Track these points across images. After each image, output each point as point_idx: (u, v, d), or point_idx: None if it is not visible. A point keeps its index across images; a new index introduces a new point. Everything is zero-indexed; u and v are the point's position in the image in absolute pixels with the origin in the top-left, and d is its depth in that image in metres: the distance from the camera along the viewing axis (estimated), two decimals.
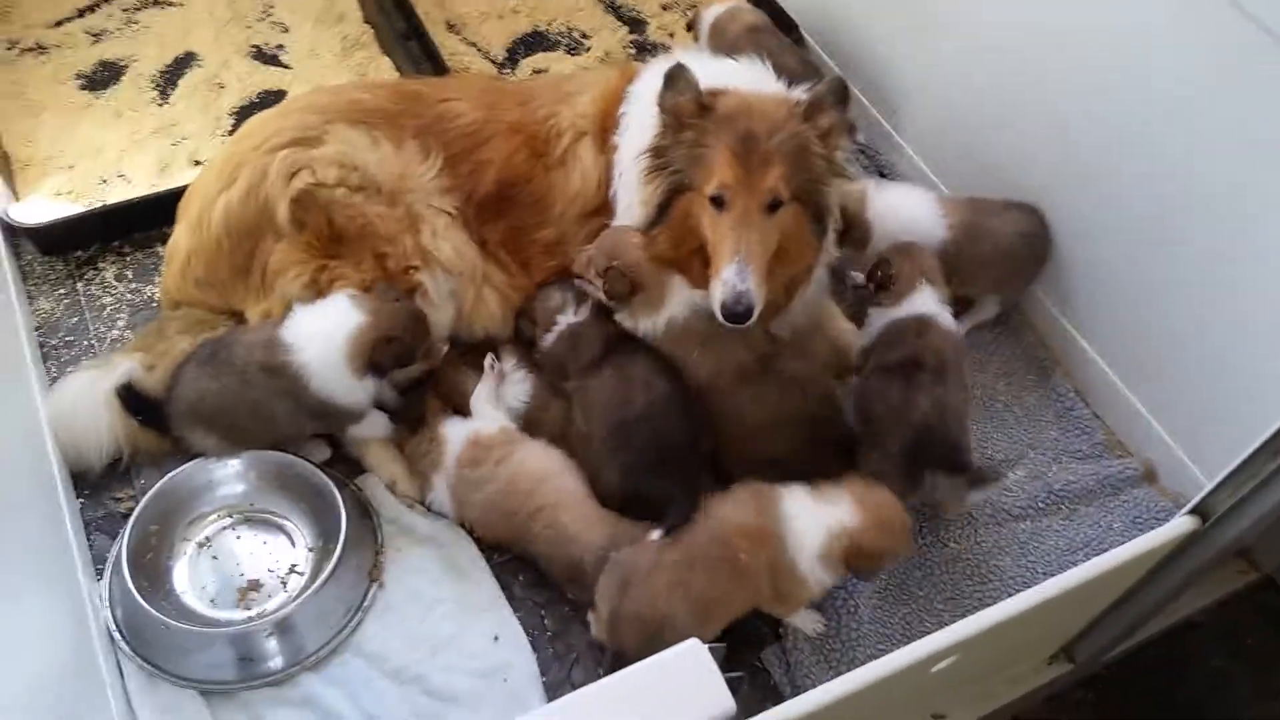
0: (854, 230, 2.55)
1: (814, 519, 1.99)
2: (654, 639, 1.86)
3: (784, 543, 1.98)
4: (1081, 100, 2.46)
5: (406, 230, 2.34)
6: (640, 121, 2.33)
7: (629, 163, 2.34)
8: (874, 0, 3.13)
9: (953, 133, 2.93)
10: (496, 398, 2.37)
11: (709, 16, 3.19)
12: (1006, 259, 2.65)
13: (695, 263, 2.27)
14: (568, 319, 2.37)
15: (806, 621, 2.19)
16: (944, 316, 2.37)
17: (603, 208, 2.41)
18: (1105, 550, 2.33)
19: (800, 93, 2.29)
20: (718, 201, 2.16)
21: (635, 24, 3.58)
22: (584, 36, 3.51)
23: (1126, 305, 2.53)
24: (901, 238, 2.50)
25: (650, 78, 2.39)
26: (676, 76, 2.16)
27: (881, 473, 2.14)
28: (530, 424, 2.38)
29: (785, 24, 3.43)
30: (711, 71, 2.30)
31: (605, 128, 2.39)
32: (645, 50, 3.48)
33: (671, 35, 3.52)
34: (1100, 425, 2.66)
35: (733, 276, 2.11)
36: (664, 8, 3.63)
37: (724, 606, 2.02)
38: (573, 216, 2.42)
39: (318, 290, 2.33)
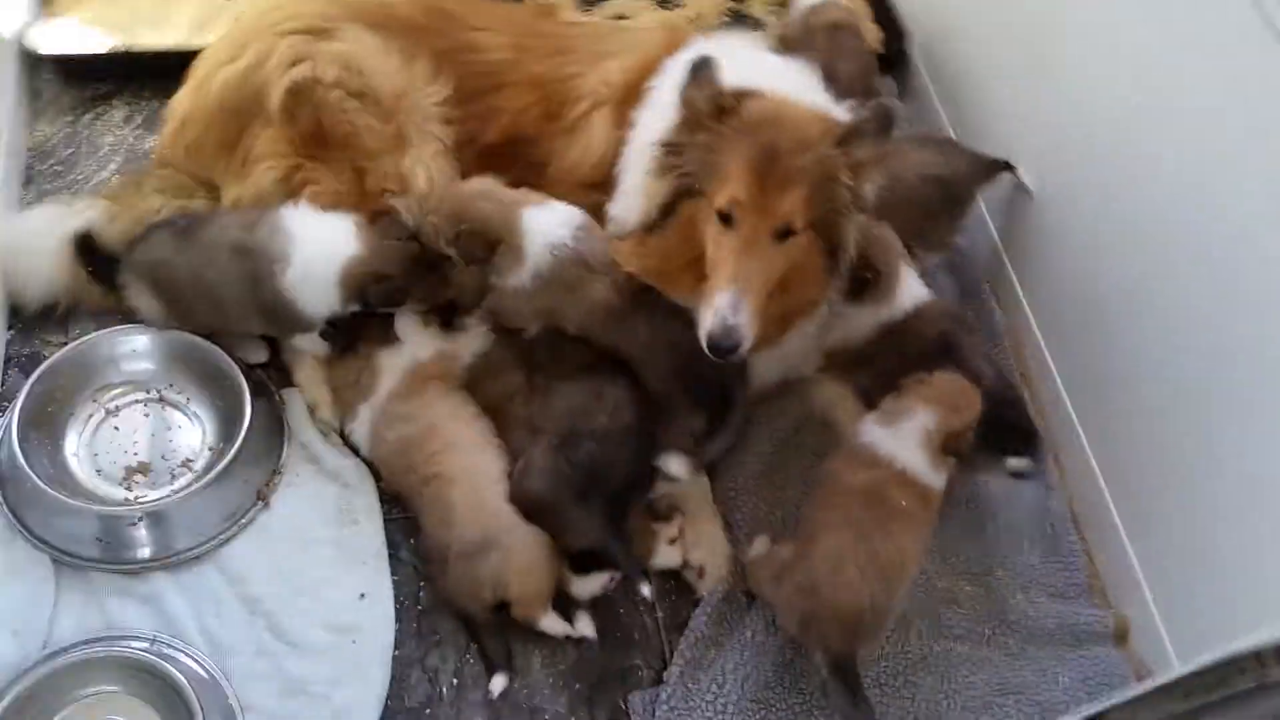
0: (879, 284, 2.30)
1: (910, 438, 2.03)
2: (858, 628, 1.93)
3: (908, 474, 2.01)
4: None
5: (393, 150, 2.24)
6: (667, 100, 2.12)
7: (642, 142, 2.14)
8: (998, 28, 2.79)
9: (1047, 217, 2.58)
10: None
11: (806, 1, 2.93)
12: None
13: (688, 276, 2.06)
14: None
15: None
16: (923, 289, 2.31)
17: (602, 184, 2.22)
18: (1038, 702, 2.14)
19: (843, 111, 2.05)
20: (725, 217, 1.94)
21: None
22: None
23: (1153, 447, 2.22)
24: None
25: (696, 53, 2.17)
26: (700, 70, 1.94)
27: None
28: (470, 384, 2.25)
29: (896, 32, 3.15)
30: (755, 67, 2.07)
31: (627, 100, 2.20)
32: (741, 21, 3.24)
33: (773, 13, 3.25)
34: (1086, 563, 2.37)
35: (725, 306, 1.90)
36: None
37: (907, 564, 2.01)
38: (567, 185, 2.25)
39: (289, 188, 2.26)
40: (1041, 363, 2.57)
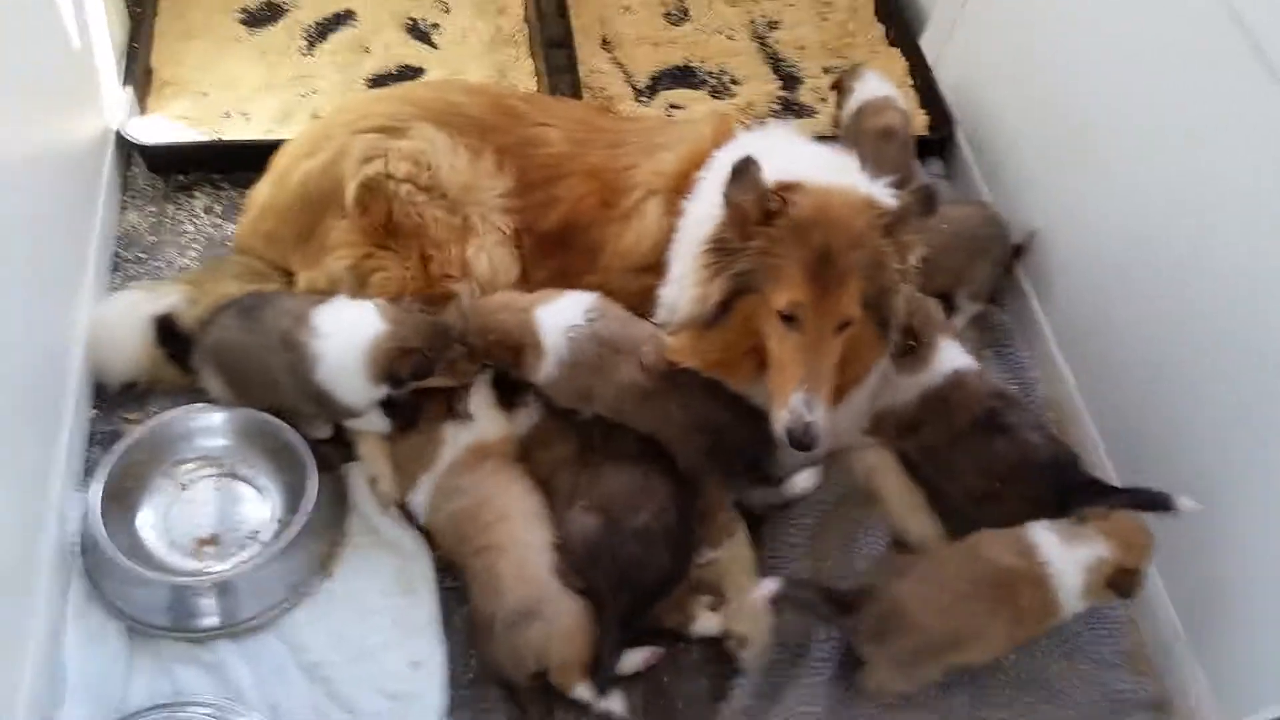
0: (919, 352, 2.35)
1: (1079, 557, 2.07)
2: (894, 635, 2.05)
3: (1050, 580, 2.06)
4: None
5: (458, 239, 2.34)
6: (714, 190, 2.20)
7: (692, 229, 2.22)
8: (1034, 128, 2.87)
9: (1088, 295, 2.65)
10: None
11: (862, 95, 2.97)
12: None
13: (747, 365, 2.14)
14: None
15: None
16: (965, 358, 2.35)
17: (653, 268, 2.31)
18: None
19: (882, 192, 2.13)
20: (788, 318, 2.01)
21: (790, 80, 3.44)
22: (734, 82, 3.40)
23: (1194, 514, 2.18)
24: None
25: (740, 147, 2.25)
26: (743, 173, 1.97)
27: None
28: (521, 455, 2.33)
29: (942, 118, 3.24)
30: (797, 157, 2.16)
31: (679, 188, 2.29)
32: (791, 109, 3.35)
33: (824, 99, 3.35)
34: (1131, 629, 2.37)
35: (800, 406, 1.97)
36: (825, 70, 3.47)
37: (977, 647, 2.12)
38: (618, 269, 2.35)
39: (359, 274, 2.36)
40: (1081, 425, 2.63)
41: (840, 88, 3.10)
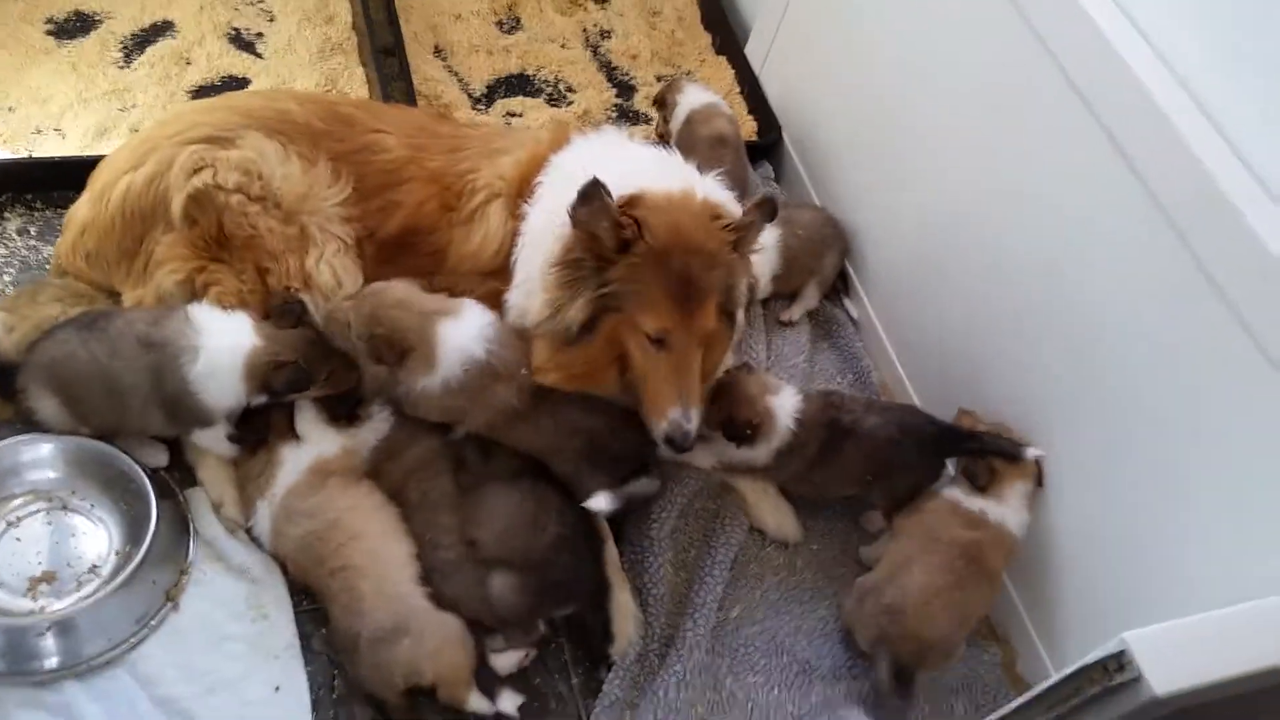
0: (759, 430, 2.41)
1: (1017, 503, 2.30)
2: (929, 654, 2.21)
3: (1008, 536, 2.29)
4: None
5: (295, 250, 2.30)
6: (553, 194, 2.25)
7: (534, 235, 2.26)
8: (852, 132, 3.06)
9: (904, 284, 2.86)
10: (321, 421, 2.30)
11: (687, 104, 3.06)
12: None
13: (610, 374, 2.20)
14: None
15: None
16: (795, 399, 2.39)
17: (498, 272, 2.34)
18: None
19: (716, 189, 2.22)
20: (656, 341, 2.09)
21: (624, 88, 3.53)
22: (569, 90, 3.47)
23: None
24: None
25: (575, 152, 2.33)
26: (591, 196, 1.98)
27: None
28: (372, 470, 2.30)
29: (769, 123, 3.39)
30: (634, 158, 2.23)
31: (520, 192, 2.33)
32: (627, 116, 3.43)
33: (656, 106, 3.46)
34: None
35: (679, 417, 2.09)
36: (658, 78, 3.57)
37: (980, 614, 2.34)
38: (465, 272, 2.36)
39: (192, 290, 2.29)
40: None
41: (663, 102, 3.17)
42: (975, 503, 2.30)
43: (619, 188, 2.06)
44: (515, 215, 2.32)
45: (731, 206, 2.23)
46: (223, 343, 2.19)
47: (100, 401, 2.21)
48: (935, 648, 2.21)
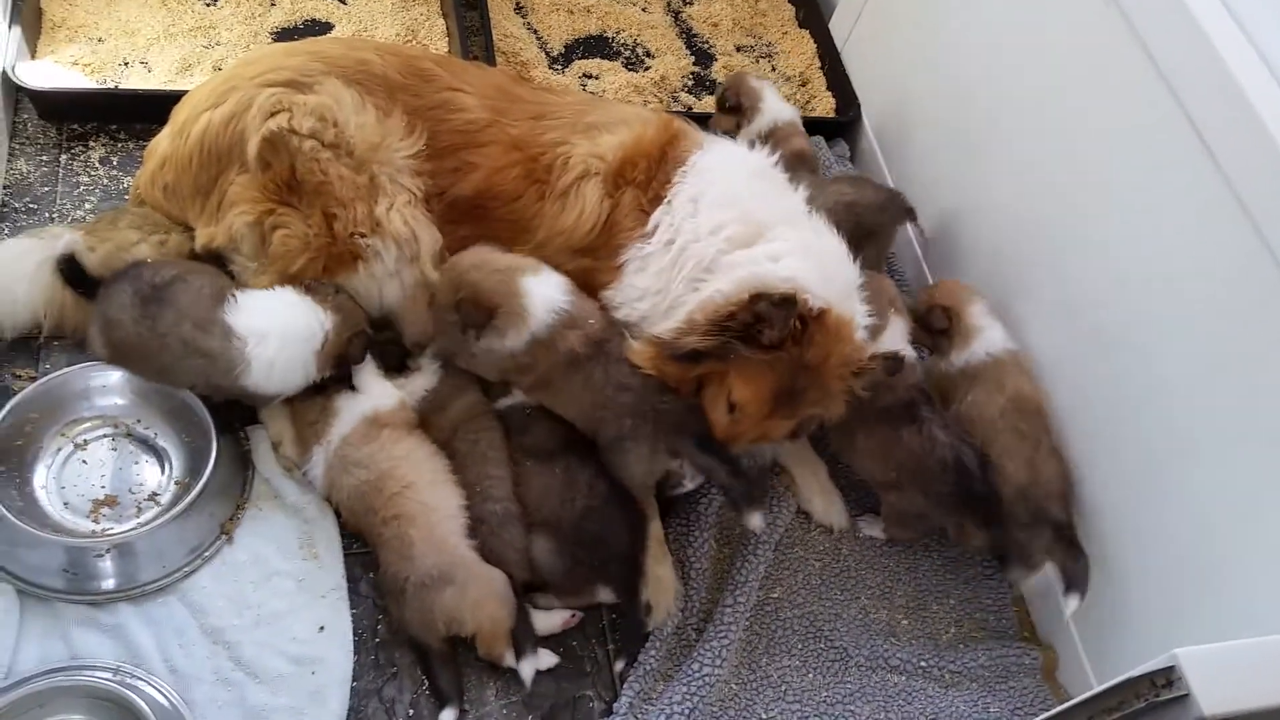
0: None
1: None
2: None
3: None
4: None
5: (365, 198, 2.30)
6: (685, 202, 2.27)
7: (680, 249, 2.25)
8: (934, 115, 2.99)
9: (975, 272, 2.79)
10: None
11: (772, 118, 2.93)
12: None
13: (689, 386, 2.21)
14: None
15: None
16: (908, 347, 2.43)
17: (590, 250, 2.34)
18: None
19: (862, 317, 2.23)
20: (732, 405, 2.14)
21: (703, 56, 3.49)
22: (647, 54, 3.43)
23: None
24: None
25: (719, 156, 2.35)
26: (789, 313, 2.03)
27: None
28: (420, 421, 2.33)
29: (849, 100, 3.33)
30: (792, 220, 2.28)
31: (622, 175, 2.32)
32: (704, 85, 3.39)
33: None
34: (1012, 599, 2.52)
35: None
36: (738, 48, 3.53)
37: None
38: (557, 248, 2.35)
39: (260, 232, 2.31)
40: None
41: (738, 107, 2.99)
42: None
43: (782, 263, 2.14)
44: (613, 196, 2.32)
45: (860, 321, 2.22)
46: (287, 344, 2.18)
47: (150, 375, 2.26)
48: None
